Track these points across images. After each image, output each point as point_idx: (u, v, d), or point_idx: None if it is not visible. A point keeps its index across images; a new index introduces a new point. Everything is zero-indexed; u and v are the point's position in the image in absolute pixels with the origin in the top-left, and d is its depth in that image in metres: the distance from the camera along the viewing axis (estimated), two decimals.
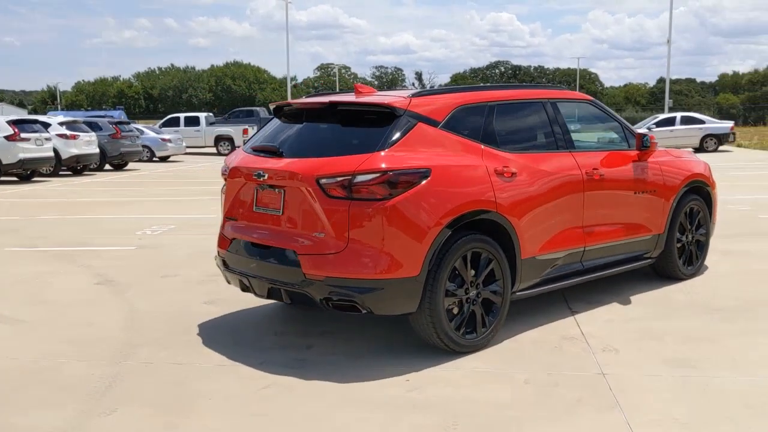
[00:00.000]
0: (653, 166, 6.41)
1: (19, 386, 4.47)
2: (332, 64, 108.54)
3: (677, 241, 6.70)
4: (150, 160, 27.15)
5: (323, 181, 4.60)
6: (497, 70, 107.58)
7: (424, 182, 4.61)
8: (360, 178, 4.52)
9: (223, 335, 5.41)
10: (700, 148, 26.20)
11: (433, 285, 4.65)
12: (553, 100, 5.86)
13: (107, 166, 23.15)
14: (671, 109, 46.59)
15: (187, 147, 29.45)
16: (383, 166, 4.53)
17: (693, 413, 3.94)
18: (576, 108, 6.13)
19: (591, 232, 5.77)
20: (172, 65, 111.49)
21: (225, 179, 5.45)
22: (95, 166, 22.08)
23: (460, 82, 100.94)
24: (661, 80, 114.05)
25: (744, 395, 4.17)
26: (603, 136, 6.42)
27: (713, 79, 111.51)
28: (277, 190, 4.88)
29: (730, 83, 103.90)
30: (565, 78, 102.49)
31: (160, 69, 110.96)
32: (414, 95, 4.97)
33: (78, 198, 15.05)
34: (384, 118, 4.82)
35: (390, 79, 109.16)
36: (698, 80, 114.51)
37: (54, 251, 8.77)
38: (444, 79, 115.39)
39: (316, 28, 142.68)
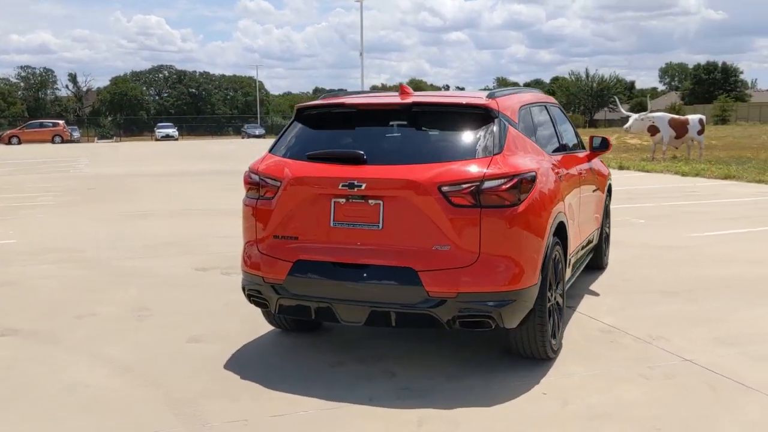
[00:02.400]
0: (595, 167, 6.92)
1: None
2: None
3: None
4: None
5: (445, 188, 4.20)
6: (161, 74, 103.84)
7: (535, 186, 4.46)
8: (488, 184, 4.22)
9: (273, 375, 4.59)
10: None
11: (543, 292, 4.52)
12: (547, 103, 6.03)
13: None
14: None
15: None
16: (509, 170, 4.29)
17: None
18: (550, 110, 6.35)
19: (581, 228, 6.05)
20: None
21: (266, 192, 4.64)
22: None
23: (121, 85, 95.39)
24: (318, 90, 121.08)
25: None
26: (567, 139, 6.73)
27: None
28: (372, 201, 4.31)
29: None
30: (232, 85, 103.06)
31: None
32: (492, 96, 4.76)
33: None
34: (477, 119, 4.54)
35: (39, 81, 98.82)
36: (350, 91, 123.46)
37: None
38: (103, 82, 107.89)
39: None
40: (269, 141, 47.36)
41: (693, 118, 23.30)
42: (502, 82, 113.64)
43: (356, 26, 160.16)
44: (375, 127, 4.74)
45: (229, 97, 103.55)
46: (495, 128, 4.49)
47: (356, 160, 4.42)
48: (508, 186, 4.24)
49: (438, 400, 4.19)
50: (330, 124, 4.85)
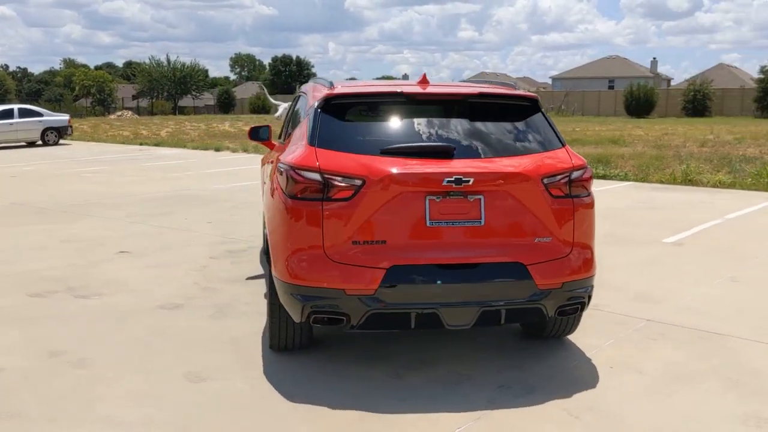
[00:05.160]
0: None
1: None
2: None
3: None
4: None
5: (546, 180, 4.21)
6: None
7: None
8: (575, 175, 4.34)
9: (347, 399, 4.07)
10: (42, 142, 25.09)
11: None
12: None
13: None
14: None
15: None
16: (583, 161, 4.46)
17: (731, 314, 5.47)
18: None
19: None
20: None
21: (338, 192, 4.03)
22: None
23: None
24: None
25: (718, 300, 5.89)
26: None
27: None
28: (472, 196, 4.09)
29: None
30: None
31: None
32: (516, 88, 4.83)
33: None
34: (530, 111, 4.57)
35: None
36: None
37: None
38: None
39: None
40: None
41: None
42: (70, 64, 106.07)
43: None
44: (435, 117, 4.44)
45: None
46: (547, 120, 4.60)
47: (446, 154, 4.15)
48: (587, 176, 4.41)
49: (546, 391, 4.22)
50: (381, 115, 4.40)
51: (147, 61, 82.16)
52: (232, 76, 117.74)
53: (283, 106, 23.91)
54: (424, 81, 4.77)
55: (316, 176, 4.07)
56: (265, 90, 29.52)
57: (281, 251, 4.23)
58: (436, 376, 4.41)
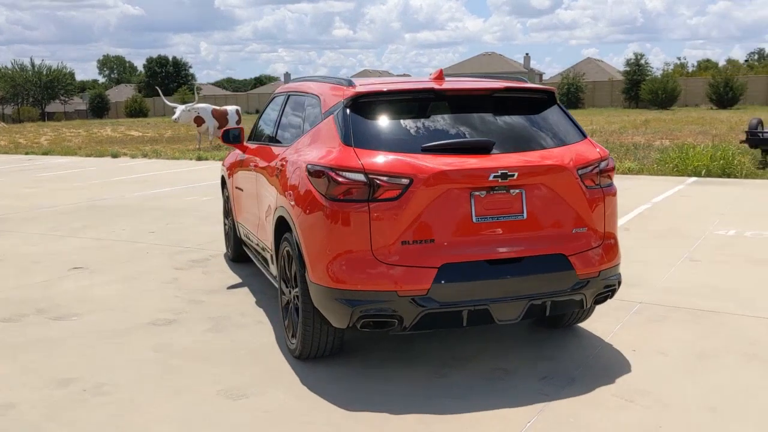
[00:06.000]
0: None
1: None
2: None
3: None
4: None
5: (581, 171, 4.28)
6: None
7: None
8: (603, 165, 4.44)
9: (410, 402, 3.99)
10: None
11: None
12: None
13: None
14: None
15: None
16: (606, 151, 4.55)
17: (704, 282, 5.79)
18: None
19: None
20: None
21: (385, 192, 3.94)
22: None
23: None
24: None
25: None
26: None
27: None
28: (514, 190, 4.09)
29: None
30: None
31: None
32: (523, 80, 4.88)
33: None
34: (548, 103, 4.63)
35: None
36: None
37: None
38: None
39: None
40: None
41: (231, 109, 24.42)
42: None
43: None
44: (466, 113, 4.41)
45: None
46: (565, 113, 4.67)
47: (485, 150, 4.13)
48: (612, 166, 4.52)
49: (588, 379, 4.29)
50: (413, 113, 4.32)
51: (9, 65, 77.21)
52: (101, 79, 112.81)
53: (180, 109, 23.03)
54: (440, 77, 4.73)
55: (360, 177, 3.96)
56: (161, 93, 28.32)
57: (321, 256, 4.08)
58: (478, 372, 4.39)
